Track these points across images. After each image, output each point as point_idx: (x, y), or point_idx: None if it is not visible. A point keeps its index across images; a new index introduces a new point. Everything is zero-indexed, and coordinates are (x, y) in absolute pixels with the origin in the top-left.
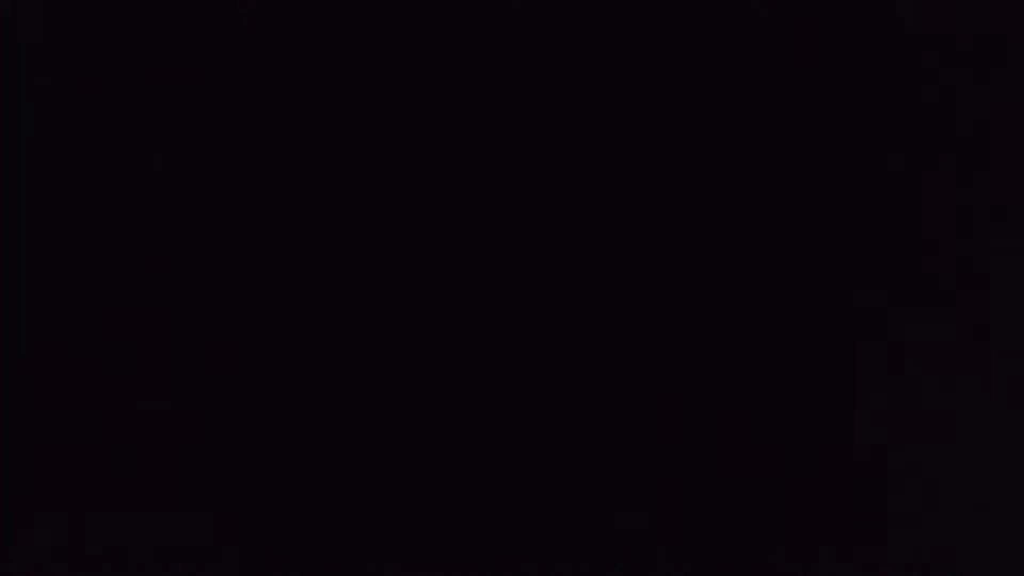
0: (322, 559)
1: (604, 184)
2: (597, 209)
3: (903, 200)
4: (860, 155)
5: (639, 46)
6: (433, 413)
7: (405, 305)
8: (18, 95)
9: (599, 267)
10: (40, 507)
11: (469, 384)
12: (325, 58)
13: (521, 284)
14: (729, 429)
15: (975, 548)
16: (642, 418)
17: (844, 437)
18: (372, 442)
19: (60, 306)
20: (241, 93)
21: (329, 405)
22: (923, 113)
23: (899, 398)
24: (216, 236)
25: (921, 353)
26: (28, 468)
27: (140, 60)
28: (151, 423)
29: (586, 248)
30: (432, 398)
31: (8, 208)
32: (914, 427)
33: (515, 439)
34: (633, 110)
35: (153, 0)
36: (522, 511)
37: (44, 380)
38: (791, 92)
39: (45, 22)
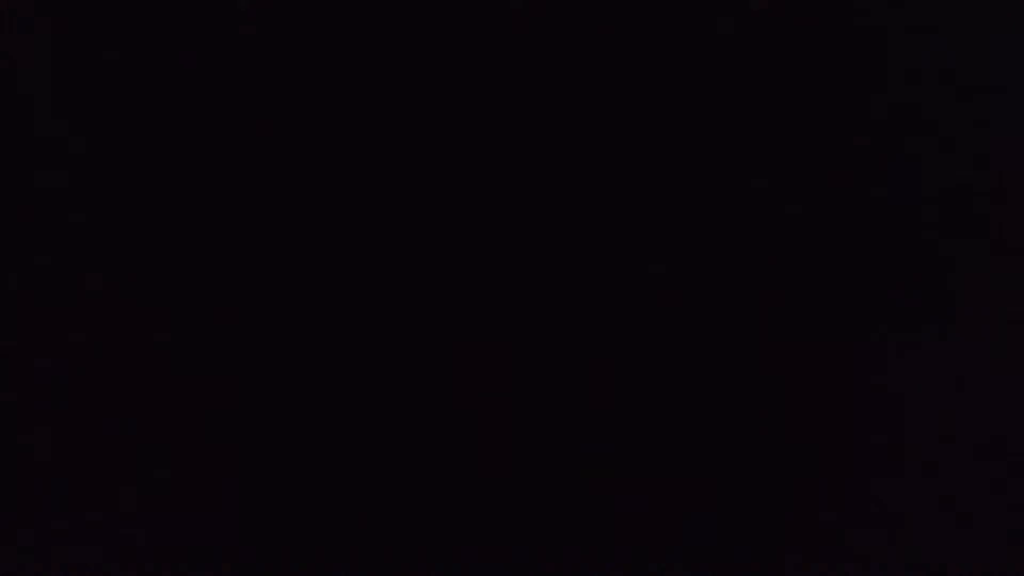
0: (321, 559)
1: (608, 186)
2: (600, 210)
3: (904, 204)
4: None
5: (638, 46)
6: (432, 413)
7: (404, 305)
8: (15, 93)
9: (602, 269)
10: (37, 507)
11: (469, 383)
12: (324, 58)
13: (522, 284)
14: (730, 429)
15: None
16: (643, 418)
17: (844, 438)
18: (372, 443)
19: (59, 304)
20: (238, 92)
21: (327, 405)
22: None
23: (901, 398)
24: (213, 235)
25: (926, 354)
26: (25, 468)
27: (137, 57)
28: (148, 423)
29: (589, 251)
30: (432, 398)
31: (6, 207)
32: (919, 427)
33: (515, 439)
34: (638, 110)
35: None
36: (522, 511)
37: (41, 379)
38: (798, 95)
39: (42, 21)
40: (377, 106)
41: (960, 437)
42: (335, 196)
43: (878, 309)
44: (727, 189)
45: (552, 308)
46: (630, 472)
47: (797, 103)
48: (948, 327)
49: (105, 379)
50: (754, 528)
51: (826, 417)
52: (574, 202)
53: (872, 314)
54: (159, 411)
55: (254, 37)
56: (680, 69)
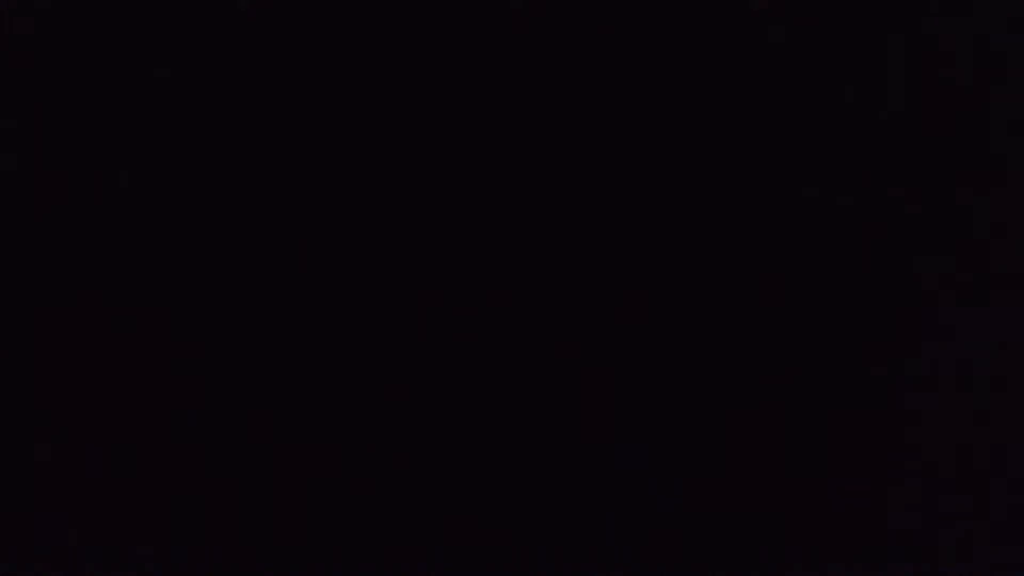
0: (320, 559)
1: (609, 185)
2: (601, 209)
3: (905, 207)
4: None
5: (638, 46)
6: (432, 414)
7: (403, 304)
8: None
9: (603, 268)
10: (36, 507)
11: (468, 383)
12: (324, 58)
13: (523, 284)
14: (731, 429)
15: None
16: (644, 419)
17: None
18: (371, 443)
19: (58, 304)
20: (237, 92)
21: (326, 405)
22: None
23: (903, 399)
24: (212, 234)
25: (929, 354)
26: (24, 468)
27: (136, 57)
28: (147, 423)
29: (590, 250)
30: (431, 399)
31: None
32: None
33: (516, 440)
34: (640, 110)
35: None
36: (522, 511)
37: (40, 379)
38: (800, 97)
39: (40, 21)
40: (375, 105)
41: (960, 437)
42: (333, 195)
43: (879, 309)
44: (726, 189)
45: (552, 307)
46: (630, 472)
47: (796, 102)
48: (948, 327)
49: (104, 379)
50: (753, 529)
51: (825, 418)
52: (575, 202)
53: (873, 314)
54: (158, 411)
55: (253, 37)
56: (680, 68)
